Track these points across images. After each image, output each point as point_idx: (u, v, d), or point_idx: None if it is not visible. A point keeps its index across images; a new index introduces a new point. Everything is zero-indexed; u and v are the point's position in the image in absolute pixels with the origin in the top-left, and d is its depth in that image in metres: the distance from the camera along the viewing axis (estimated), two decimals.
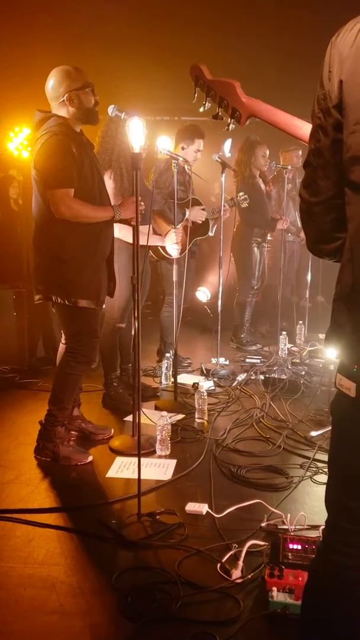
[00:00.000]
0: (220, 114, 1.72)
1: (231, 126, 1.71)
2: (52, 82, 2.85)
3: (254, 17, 5.04)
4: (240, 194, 4.92)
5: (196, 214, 4.42)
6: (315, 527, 2.34)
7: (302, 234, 5.61)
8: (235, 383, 4.34)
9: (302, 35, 4.94)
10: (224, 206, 4.72)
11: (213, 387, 4.23)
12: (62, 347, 3.07)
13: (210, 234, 4.63)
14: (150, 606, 1.95)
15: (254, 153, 5.24)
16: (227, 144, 6.26)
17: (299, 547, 2.09)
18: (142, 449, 2.66)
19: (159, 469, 2.96)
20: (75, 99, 2.84)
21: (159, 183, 4.29)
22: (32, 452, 3.08)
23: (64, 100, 2.84)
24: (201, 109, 1.79)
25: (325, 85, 1.19)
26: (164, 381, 4.35)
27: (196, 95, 1.79)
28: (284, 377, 4.31)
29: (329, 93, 1.19)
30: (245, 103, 1.63)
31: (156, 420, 3.20)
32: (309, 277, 5.85)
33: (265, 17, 5.01)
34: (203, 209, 4.50)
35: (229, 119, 1.69)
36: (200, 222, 4.47)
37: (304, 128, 1.44)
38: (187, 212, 4.31)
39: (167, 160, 4.14)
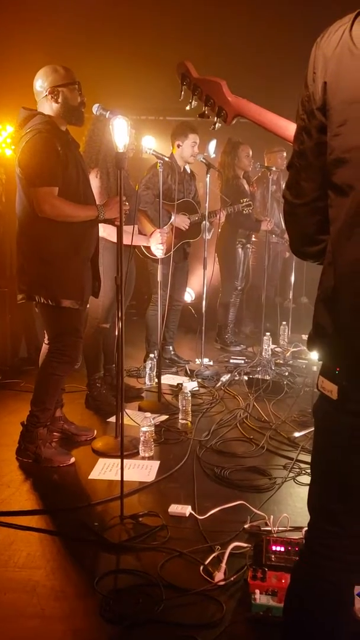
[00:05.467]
0: (206, 112, 1.70)
1: (217, 125, 1.69)
2: (39, 77, 2.85)
3: (240, 15, 5.04)
4: (243, 200, 4.96)
5: (180, 221, 4.42)
6: (298, 529, 2.34)
7: (287, 235, 5.69)
8: (219, 384, 4.34)
9: (289, 35, 4.94)
10: (221, 211, 4.74)
11: (197, 388, 4.23)
12: (44, 348, 3.05)
13: (207, 237, 4.63)
14: (133, 609, 1.94)
15: (237, 154, 5.25)
16: (212, 144, 6.26)
17: (282, 549, 2.09)
18: (125, 450, 2.64)
19: (142, 470, 2.95)
20: (59, 95, 2.82)
21: (149, 183, 4.28)
22: (13, 453, 3.05)
23: (47, 95, 2.82)
24: (187, 108, 1.78)
25: (310, 86, 1.19)
26: (147, 382, 4.34)
27: (182, 93, 1.77)
28: (267, 377, 4.32)
29: (313, 95, 1.18)
30: (231, 102, 1.61)
31: (139, 421, 3.19)
32: (292, 278, 5.88)
33: (252, 16, 5.01)
34: (187, 216, 4.49)
35: (215, 118, 1.68)
36: (184, 229, 4.46)
37: (290, 128, 1.43)
38: (173, 217, 4.31)
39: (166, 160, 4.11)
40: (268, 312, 5.30)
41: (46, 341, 3.04)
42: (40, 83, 2.84)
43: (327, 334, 1.21)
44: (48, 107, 2.86)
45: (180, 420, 3.60)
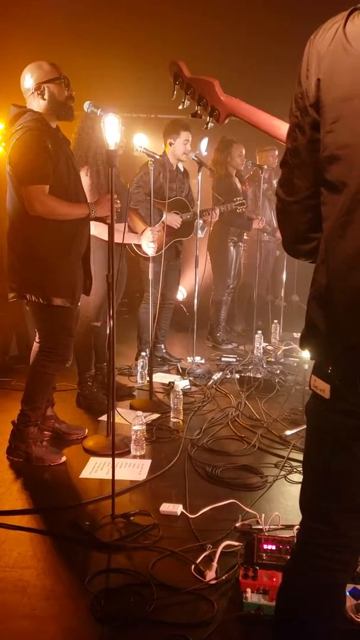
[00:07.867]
0: (199, 112, 1.70)
1: (210, 125, 1.69)
2: (24, 75, 2.84)
3: (231, 14, 5.03)
4: (237, 199, 4.97)
5: (172, 219, 4.41)
6: (289, 527, 2.34)
7: (278, 234, 5.69)
8: (210, 382, 4.34)
9: (280, 34, 4.94)
10: (215, 209, 4.75)
11: (189, 386, 4.22)
12: (35, 346, 3.03)
13: (200, 235, 4.63)
14: (124, 609, 1.93)
15: (230, 152, 5.25)
16: (204, 142, 6.27)
17: (273, 547, 2.09)
18: (116, 449, 2.64)
19: (133, 469, 2.94)
20: (45, 91, 2.81)
21: (141, 181, 4.27)
22: (4, 452, 3.03)
23: (33, 93, 2.81)
24: (180, 107, 1.77)
25: (303, 83, 1.19)
26: (139, 380, 4.33)
27: (175, 92, 1.76)
28: (259, 376, 4.33)
29: (306, 91, 1.18)
30: (224, 101, 1.61)
31: (131, 419, 3.18)
32: (284, 277, 5.89)
33: (243, 15, 5.01)
34: (180, 214, 4.48)
35: (208, 118, 1.68)
36: (175, 227, 4.46)
37: (283, 128, 1.44)
38: (164, 215, 4.30)
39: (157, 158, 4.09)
40: (259, 311, 5.31)
41: (37, 339, 3.02)
42: (27, 81, 2.83)
43: (320, 333, 1.20)
44: (36, 104, 2.84)
45: (171, 419, 3.60)
